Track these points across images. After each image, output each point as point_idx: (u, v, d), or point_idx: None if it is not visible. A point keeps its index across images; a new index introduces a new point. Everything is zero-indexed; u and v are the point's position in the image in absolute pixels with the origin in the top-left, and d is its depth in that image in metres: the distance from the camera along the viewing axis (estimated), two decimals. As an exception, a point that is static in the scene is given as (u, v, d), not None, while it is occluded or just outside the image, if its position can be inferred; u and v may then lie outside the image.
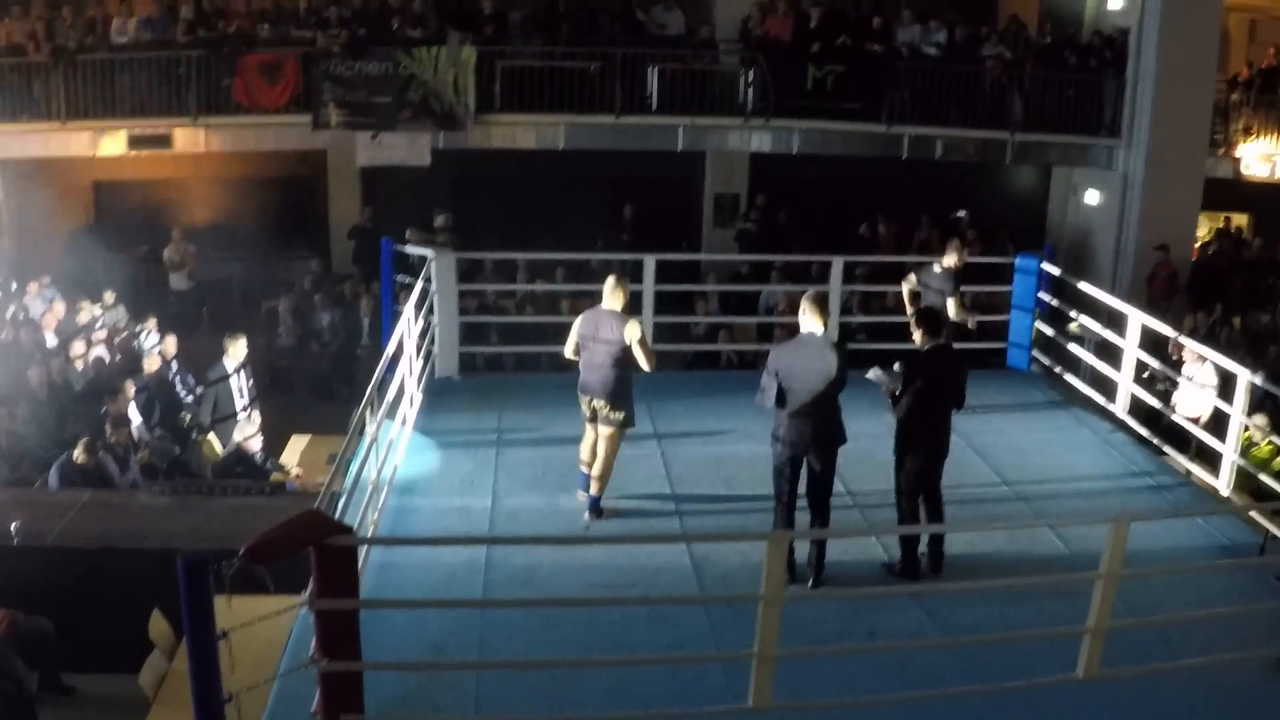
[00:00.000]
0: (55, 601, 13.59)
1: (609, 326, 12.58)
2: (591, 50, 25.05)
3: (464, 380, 17.22)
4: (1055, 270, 18.12)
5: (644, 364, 12.56)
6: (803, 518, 11.68)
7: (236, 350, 18.22)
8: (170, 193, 26.53)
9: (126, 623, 13.06)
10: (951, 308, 15.76)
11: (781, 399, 11.36)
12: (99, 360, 19.93)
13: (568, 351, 13.04)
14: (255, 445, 17.00)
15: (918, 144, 25.95)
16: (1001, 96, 26.10)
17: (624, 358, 12.53)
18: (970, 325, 16.07)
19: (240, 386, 18.33)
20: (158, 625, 13.22)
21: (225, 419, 18.00)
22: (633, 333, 12.45)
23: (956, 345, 13.06)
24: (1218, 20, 26.76)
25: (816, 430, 11.37)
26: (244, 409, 18.23)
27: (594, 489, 12.95)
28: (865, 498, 13.18)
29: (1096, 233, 27.87)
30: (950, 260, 16.07)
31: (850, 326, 20.46)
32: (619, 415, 12.68)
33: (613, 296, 12.70)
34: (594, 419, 12.83)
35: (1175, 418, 16.11)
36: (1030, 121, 26.25)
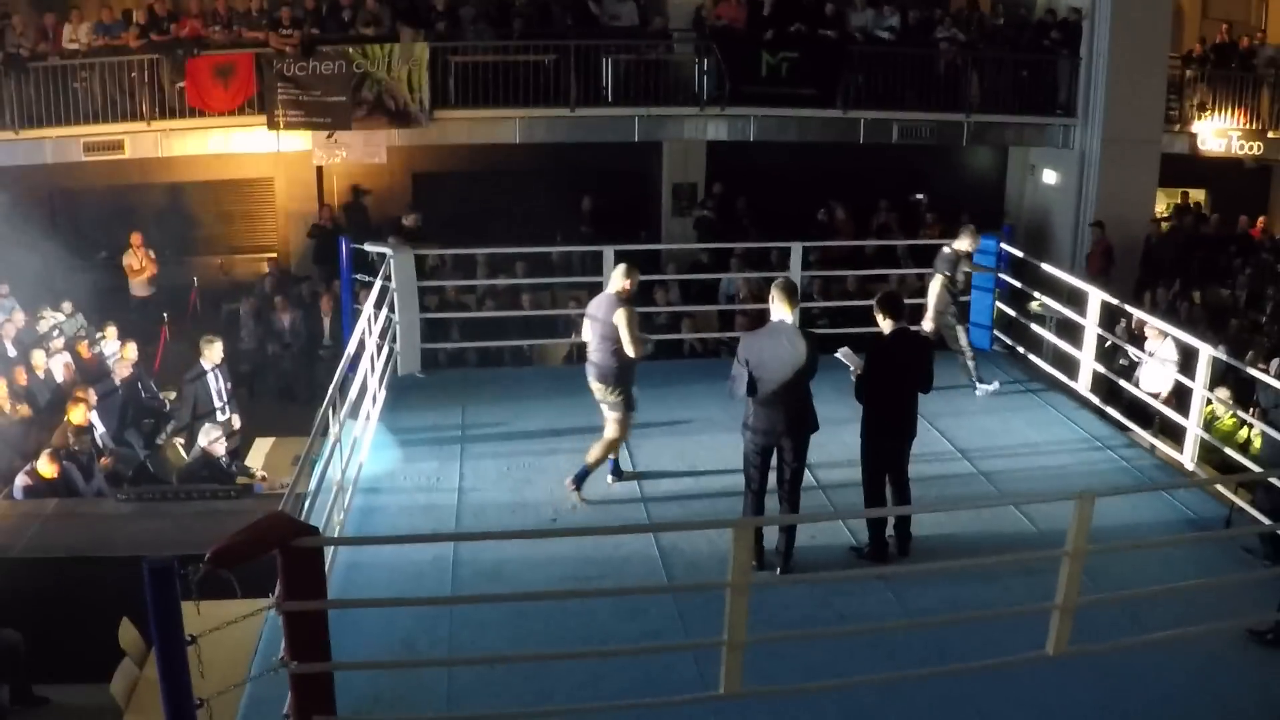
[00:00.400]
0: (24, 613, 13.50)
1: (605, 310, 12.84)
2: (545, 43, 25.04)
3: (427, 377, 17.20)
4: (1015, 250, 18.19)
5: (627, 348, 12.69)
6: (771, 504, 11.72)
7: (212, 353, 18.38)
8: (128, 198, 26.38)
9: (96, 631, 12.99)
10: (935, 286, 15.95)
11: (752, 388, 11.36)
12: (68, 368, 19.82)
13: (583, 334, 13.28)
14: (220, 449, 16.92)
15: (874, 128, 26.04)
16: (956, 79, 26.19)
17: (616, 342, 12.73)
18: (926, 330, 16.19)
19: (218, 388, 18.42)
20: (128, 633, 13.16)
21: (206, 415, 18.07)
22: (620, 317, 12.62)
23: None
24: (1169, -4, 26.89)
25: (789, 418, 11.38)
26: (222, 409, 18.42)
27: (587, 460, 13.18)
28: (831, 482, 13.21)
29: (1055, 212, 27.99)
30: (959, 244, 16.25)
31: (811, 312, 20.49)
32: (614, 398, 12.98)
33: (615, 281, 12.97)
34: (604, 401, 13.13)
35: (1138, 393, 16.17)
36: (986, 103, 26.37)
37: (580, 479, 13.20)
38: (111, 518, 15.26)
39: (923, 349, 12.39)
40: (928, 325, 16.29)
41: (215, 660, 7.70)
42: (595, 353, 12.97)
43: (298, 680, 7.99)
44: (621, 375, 12.93)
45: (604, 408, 13.12)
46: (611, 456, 13.55)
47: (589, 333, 13.10)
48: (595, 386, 13.07)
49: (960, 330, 16.48)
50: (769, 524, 11.65)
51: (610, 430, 13.13)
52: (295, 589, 7.82)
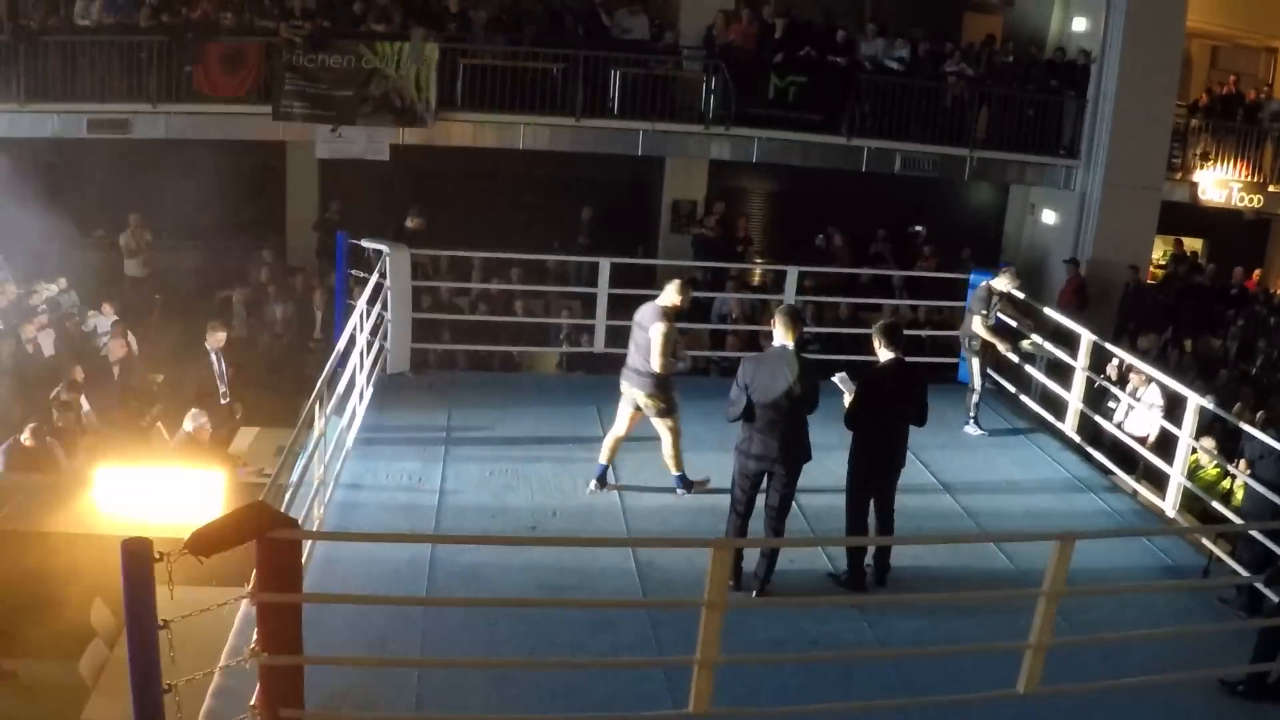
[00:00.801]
0: (-3, 584, 13.49)
1: (648, 319, 13.10)
2: (554, 51, 25.04)
3: (415, 377, 17.18)
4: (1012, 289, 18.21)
5: (654, 360, 12.96)
6: (754, 527, 11.69)
7: (216, 339, 18.51)
8: (130, 177, 26.31)
9: (69, 609, 12.98)
10: (976, 323, 16.35)
11: (750, 413, 11.35)
12: (58, 343, 19.81)
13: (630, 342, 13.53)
14: (205, 435, 16.87)
15: (877, 157, 26.07)
16: (962, 113, 26.22)
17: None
18: (1005, 350, 16.70)
19: (220, 370, 18.53)
20: (99, 612, 13.16)
21: (208, 395, 18.19)
22: (656, 330, 12.90)
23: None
24: (1180, 46, 26.98)
25: (784, 445, 11.36)
26: (224, 394, 18.67)
27: (674, 469, 13.60)
28: (814, 508, 13.18)
29: (1052, 252, 27.98)
30: (997, 283, 16.59)
31: (804, 336, 20.48)
32: (653, 404, 13.27)
33: (666, 295, 13.23)
34: (637, 409, 13.44)
35: (1123, 436, 16.18)
36: (990, 139, 26.40)
37: (683, 483, 13.64)
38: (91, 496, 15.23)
39: (917, 381, 12.38)
40: (1008, 353, 16.80)
41: (186, 646, 7.68)
42: (633, 357, 13.28)
43: (267, 672, 7.98)
44: (659, 383, 13.17)
45: (650, 416, 13.40)
46: (602, 462, 13.71)
47: (631, 340, 13.38)
48: (633, 393, 13.35)
49: (977, 364, 16.53)
50: (748, 546, 11.63)
51: (666, 436, 13.48)
52: (271, 580, 7.80)
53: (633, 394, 13.36)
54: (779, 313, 11.69)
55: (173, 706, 7.67)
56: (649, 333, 12.93)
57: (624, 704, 9.41)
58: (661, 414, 13.32)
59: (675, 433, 13.48)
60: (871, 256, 27.53)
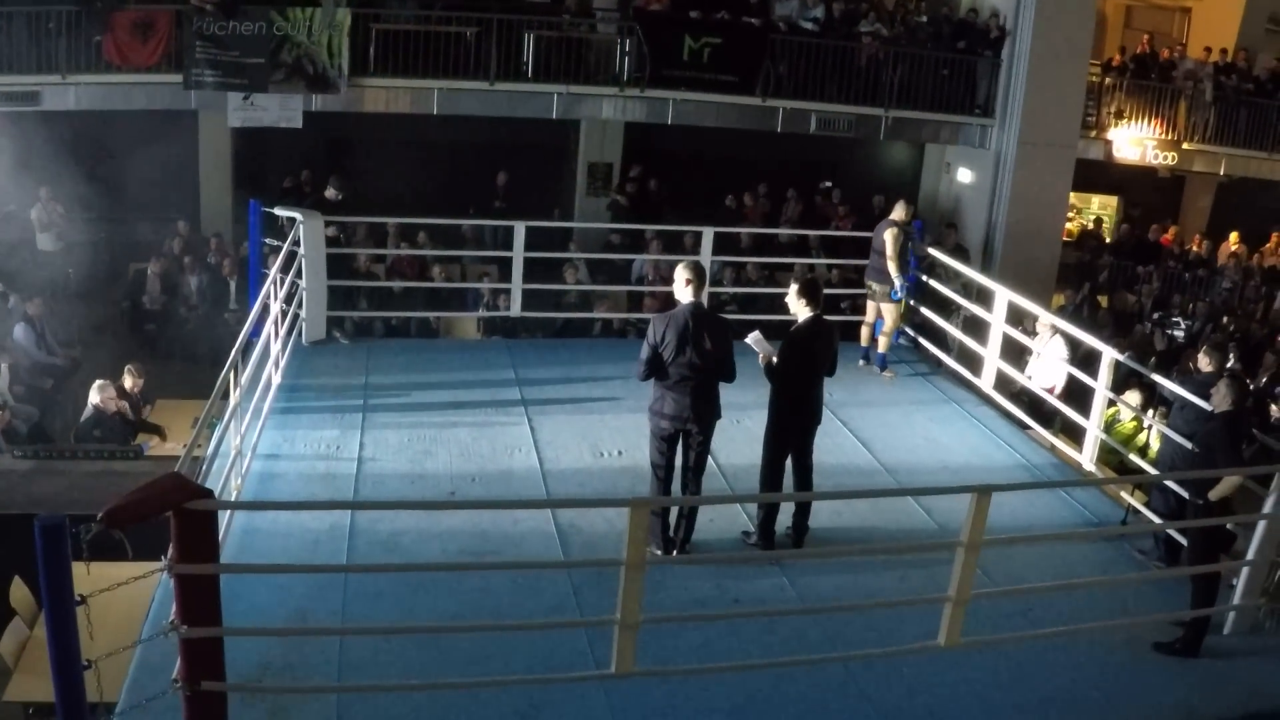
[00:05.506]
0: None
1: (881, 232, 16.83)
2: (468, 15, 24.86)
3: (331, 345, 17.09)
4: (928, 246, 18.34)
5: (890, 263, 16.61)
6: (676, 490, 11.70)
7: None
8: (39, 151, 26.04)
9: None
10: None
11: (662, 372, 11.33)
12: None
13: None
14: (112, 405, 16.63)
15: (792, 117, 26.04)
16: (877, 73, 26.27)
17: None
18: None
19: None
20: (18, 592, 13.05)
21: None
22: (888, 238, 16.62)
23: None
24: (1093, 4, 27.09)
25: (695, 404, 11.30)
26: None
27: (881, 346, 17.48)
28: (732, 467, 13.23)
29: (968, 211, 28.12)
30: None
31: (720, 298, 20.54)
32: (886, 291, 16.90)
33: (897, 210, 16.99)
34: (873, 297, 17.21)
35: (1031, 387, 16.31)
36: (904, 98, 26.45)
37: (882, 363, 17.45)
38: (6, 474, 15.11)
39: (833, 336, 12.39)
40: None
41: (106, 622, 7.64)
42: (875, 263, 16.94)
43: (188, 645, 7.91)
44: (889, 277, 16.73)
45: (881, 303, 17.07)
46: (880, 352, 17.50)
47: (872, 249, 17.08)
48: (875, 287, 16.99)
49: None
50: (664, 505, 11.62)
51: (889, 321, 17.20)
52: (188, 552, 7.74)
53: (873, 286, 16.97)
54: (682, 269, 11.61)
55: (94, 682, 7.62)
56: (883, 238, 16.61)
57: (547, 666, 9.43)
58: (889, 299, 16.83)
59: (897, 316, 17.16)
60: (786, 218, 27.58)
